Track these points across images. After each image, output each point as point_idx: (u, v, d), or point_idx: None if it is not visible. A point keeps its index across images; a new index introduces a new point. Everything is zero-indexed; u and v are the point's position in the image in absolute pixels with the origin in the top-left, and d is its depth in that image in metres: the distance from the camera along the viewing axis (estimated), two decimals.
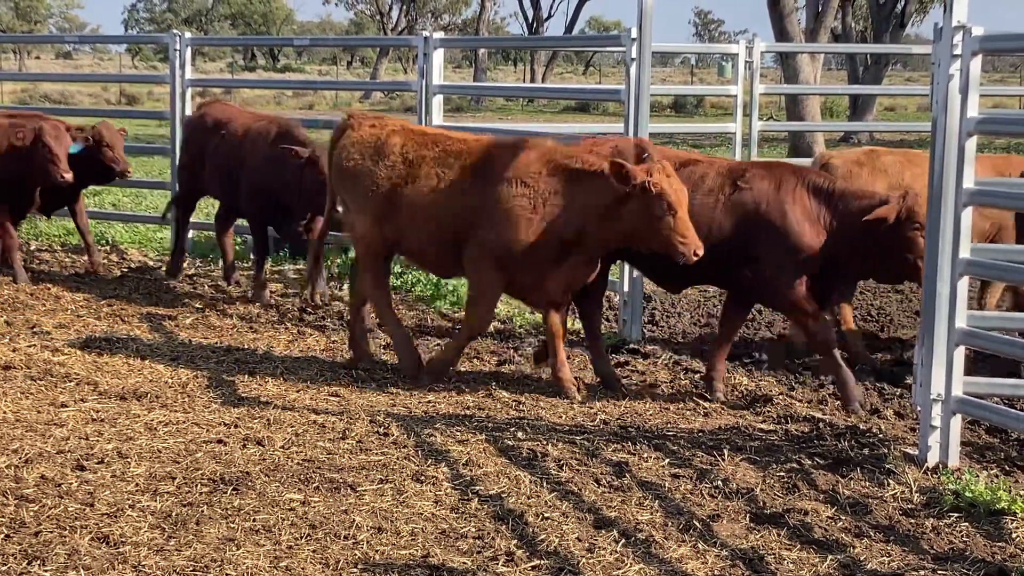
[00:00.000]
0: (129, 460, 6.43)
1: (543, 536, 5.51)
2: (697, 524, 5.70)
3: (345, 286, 11.33)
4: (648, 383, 8.46)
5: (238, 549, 5.30)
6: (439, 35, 11.91)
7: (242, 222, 11.75)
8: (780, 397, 8.06)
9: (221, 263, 12.06)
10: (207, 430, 7.04)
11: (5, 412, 7.29)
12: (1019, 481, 6.43)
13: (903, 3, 36.40)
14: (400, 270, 11.76)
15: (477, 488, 6.14)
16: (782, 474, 6.46)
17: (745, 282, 8.11)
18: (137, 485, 6.06)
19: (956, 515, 5.89)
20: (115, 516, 5.64)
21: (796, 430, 7.30)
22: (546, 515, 5.78)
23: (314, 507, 5.82)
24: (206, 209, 15.41)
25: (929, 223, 6.67)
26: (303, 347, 9.25)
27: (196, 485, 6.08)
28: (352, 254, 9.69)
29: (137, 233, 14.30)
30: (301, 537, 5.46)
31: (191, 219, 12.48)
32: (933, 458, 6.62)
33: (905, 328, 10.34)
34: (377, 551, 5.34)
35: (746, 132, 13.29)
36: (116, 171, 11.62)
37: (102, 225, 14.57)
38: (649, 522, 5.74)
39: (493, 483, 6.23)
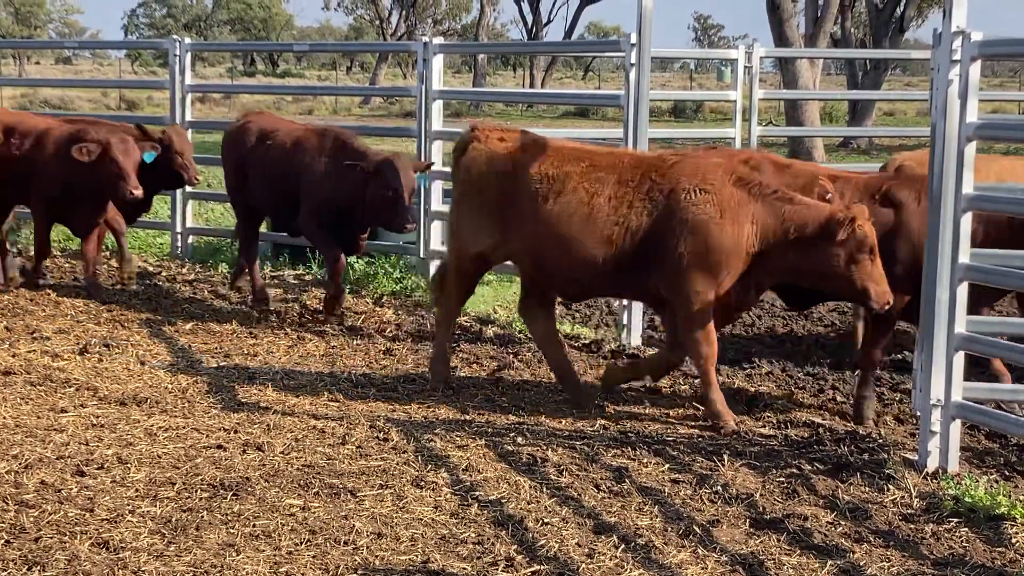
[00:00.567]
0: (129, 465, 6.43)
1: (543, 541, 5.52)
2: (697, 529, 5.70)
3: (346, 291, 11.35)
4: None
5: (238, 555, 5.30)
6: (439, 40, 11.92)
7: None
8: (780, 402, 8.06)
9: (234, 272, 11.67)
10: (207, 435, 7.04)
11: (5, 418, 7.29)
12: (1019, 486, 6.43)
13: (902, 8, 36.39)
14: (399, 275, 11.77)
15: (477, 493, 6.14)
16: (782, 479, 6.46)
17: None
18: (137, 491, 6.06)
19: (956, 520, 5.89)
20: (115, 522, 5.64)
21: (796, 435, 7.30)
22: (546, 520, 5.79)
23: (314, 512, 5.82)
24: (205, 214, 15.43)
25: (929, 228, 6.67)
26: (303, 352, 9.25)
27: (196, 490, 6.08)
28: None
29: (137, 238, 14.29)
30: (301, 543, 5.46)
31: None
32: (933, 463, 6.62)
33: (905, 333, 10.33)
34: (377, 557, 5.34)
35: (745, 137, 13.28)
36: (186, 178, 11.31)
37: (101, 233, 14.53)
38: (649, 527, 5.74)
39: (493, 488, 6.23)
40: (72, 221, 11.13)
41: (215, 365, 8.80)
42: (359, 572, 5.19)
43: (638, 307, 9.75)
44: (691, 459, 6.80)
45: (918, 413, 6.79)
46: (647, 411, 7.85)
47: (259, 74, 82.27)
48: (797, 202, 7.40)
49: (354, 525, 5.66)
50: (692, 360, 7.77)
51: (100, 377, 8.33)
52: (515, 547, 5.45)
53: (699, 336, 7.50)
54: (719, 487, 6.30)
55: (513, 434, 7.21)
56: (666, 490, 6.29)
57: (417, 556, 5.36)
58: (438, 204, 11.71)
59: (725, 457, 6.78)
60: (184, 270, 12.65)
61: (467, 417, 7.61)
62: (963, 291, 6.58)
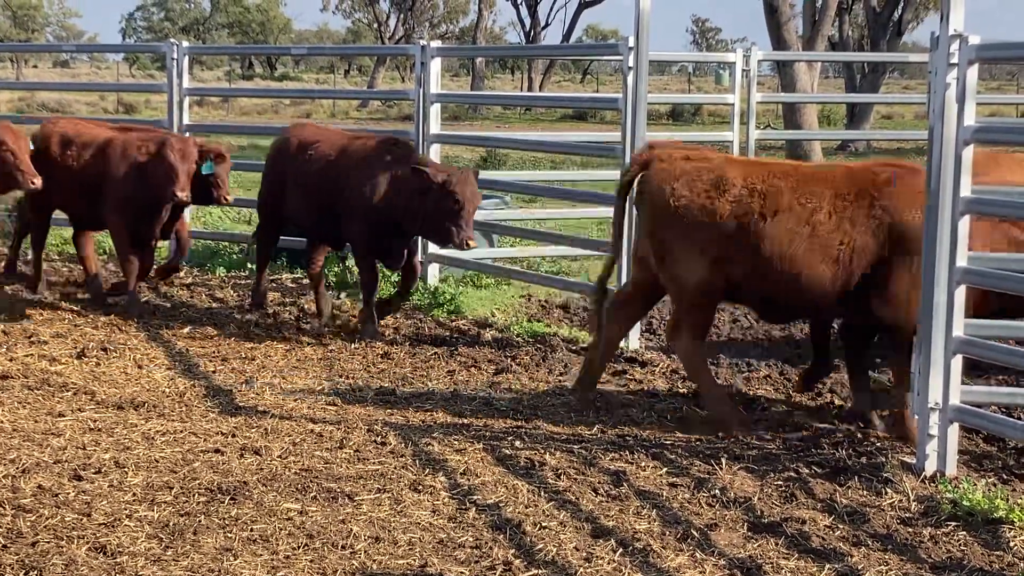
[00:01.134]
0: (126, 470, 6.43)
1: (541, 545, 5.51)
2: (695, 533, 5.70)
3: (343, 295, 11.35)
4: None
5: (235, 559, 5.30)
6: (436, 44, 11.92)
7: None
8: (777, 405, 8.06)
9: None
10: (204, 440, 7.04)
11: (2, 422, 7.28)
12: (1016, 490, 6.43)
13: (900, 11, 36.44)
14: (396, 278, 11.76)
15: (475, 497, 6.14)
16: (780, 483, 6.46)
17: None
18: (134, 495, 6.06)
19: (954, 524, 5.89)
20: (112, 526, 5.64)
21: (794, 439, 7.30)
22: (544, 524, 5.78)
23: (312, 517, 5.82)
24: (203, 217, 15.41)
25: (927, 232, 6.67)
26: (300, 356, 9.24)
27: (193, 495, 6.08)
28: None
29: None
30: (298, 547, 5.46)
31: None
32: (931, 467, 6.61)
33: None
34: (375, 561, 5.34)
35: (743, 140, 13.30)
36: (215, 195, 10.59)
37: (100, 234, 14.50)
38: (647, 531, 5.74)
39: (491, 492, 6.23)
40: (141, 231, 10.54)
41: (212, 369, 8.80)
42: None
43: None
44: (689, 463, 6.80)
45: (916, 416, 6.79)
46: (644, 415, 7.84)
47: (257, 77, 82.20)
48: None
49: (352, 529, 5.65)
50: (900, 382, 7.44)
51: (97, 381, 8.33)
52: (513, 551, 5.45)
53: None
54: (717, 491, 6.30)
55: (511, 438, 7.21)
56: (664, 494, 6.28)
57: (415, 560, 5.35)
58: None
59: (723, 460, 6.78)
60: (182, 273, 12.62)
61: (465, 421, 7.61)
62: (960, 294, 6.58)
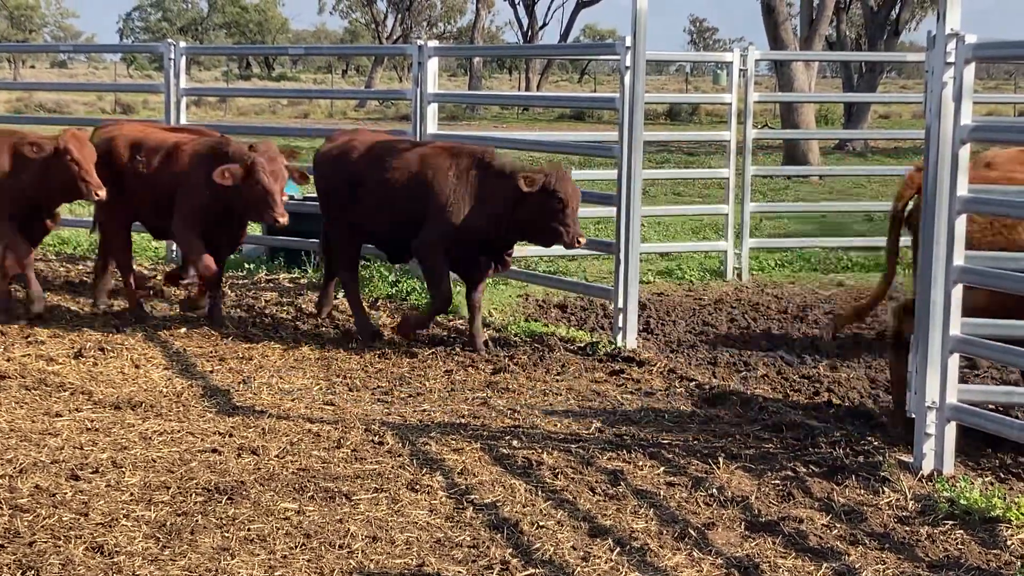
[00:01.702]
0: (124, 469, 6.42)
1: (538, 545, 5.51)
2: (692, 532, 5.70)
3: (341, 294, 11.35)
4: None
5: (233, 559, 5.30)
6: (433, 43, 11.93)
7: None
8: (775, 404, 8.06)
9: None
10: (202, 439, 7.04)
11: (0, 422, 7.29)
12: (1014, 488, 6.43)
13: (898, 11, 36.46)
14: (394, 278, 11.77)
15: (472, 497, 6.14)
16: (777, 482, 6.46)
17: None
18: (132, 495, 6.06)
19: (951, 523, 5.89)
20: (110, 526, 5.64)
21: (791, 438, 7.30)
22: (541, 524, 5.78)
23: (309, 516, 5.82)
24: None
25: (923, 231, 6.67)
26: (298, 356, 9.24)
27: (191, 494, 6.07)
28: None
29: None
30: (296, 546, 5.46)
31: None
32: (928, 466, 6.62)
33: None
34: (372, 560, 5.34)
35: (740, 140, 13.31)
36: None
37: (95, 234, 14.50)
38: (644, 530, 5.74)
39: (488, 492, 6.23)
40: (213, 243, 10.04)
41: (210, 369, 8.80)
42: (354, 575, 5.19)
43: (633, 310, 9.75)
44: (686, 462, 6.80)
45: (913, 415, 6.79)
46: (642, 414, 7.85)
47: (254, 78, 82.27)
48: None
49: (349, 529, 5.65)
50: None
51: (95, 381, 8.33)
52: (510, 550, 5.45)
53: None
54: (715, 490, 6.30)
55: (508, 437, 7.21)
56: (661, 493, 6.28)
57: (412, 560, 5.35)
58: None
59: (720, 460, 6.78)
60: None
61: (462, 420, 7.61)
62: (957, 293, 6.58)
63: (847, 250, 14.34)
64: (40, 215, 10.20)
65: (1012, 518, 5.85)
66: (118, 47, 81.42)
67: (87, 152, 9.81)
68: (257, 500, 6.00)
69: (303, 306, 10.97)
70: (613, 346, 9.64)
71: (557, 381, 8.64)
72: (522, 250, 12.69)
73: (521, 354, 9.34)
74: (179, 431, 7.19)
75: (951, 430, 6.64)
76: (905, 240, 7.78)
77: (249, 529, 5.63)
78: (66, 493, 6.05)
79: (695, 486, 6.37)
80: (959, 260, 6.55)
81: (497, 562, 5.32)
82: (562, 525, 5.78)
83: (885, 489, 6.32)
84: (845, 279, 13.39)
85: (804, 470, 6.65)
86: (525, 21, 67.69)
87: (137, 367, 8.75)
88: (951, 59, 6.42)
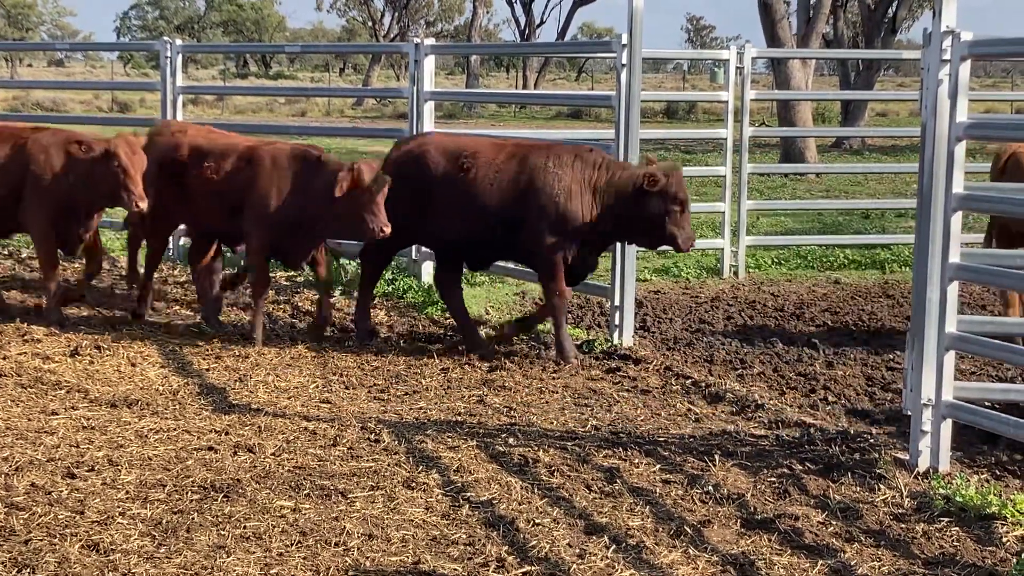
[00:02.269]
0: (119, 468, 6.42)
1: (534, 542, 5.51)
2: (688, 530, 5.70)
3: (338, 292, 11.35)
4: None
5: (228, 556, 5.30)
6: (430, 42, 11.92)
7: None
8: (771, 402, 8.07)
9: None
10: (198, 437, 7.04)
11: None
12: (1009, 486, 6.43)
13: (895, 8, 36.45)
14: (391, 276, 11.77)
15: (468, 494, 6.14)
16: (773, 479, 6.46)
17: None
18: (127, 493, 6.05)
19: (947, 520, 5.89)
20: (105, 524, 5.63)
21: (787, 435, 7.30)
22: (537, 521, 5.78)
23: (305, 514, 5.82)
24: None
25: (919, 228, 6.68)
26: (294, 354, 9.23)
27: (187, 492, 6.07)
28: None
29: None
30: (292, 544, 5.45)
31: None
32: (924, 463, 6.62)
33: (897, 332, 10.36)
34: (368, 558, 5.34)
35: (737, 138, 13.31)
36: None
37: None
38: (640, 528, 5.74)
39: (484, 489, 6.23)
40: (290, 253, 9.74)
41: (206, 367, 8.79)
42: (350, 573, 5.18)
43: (630, 308, 9.75)
44: (682, 459, 6.80)
45: (909, 413, 6.79)
46: (638, 412, 7.85)
47: (252, 76, 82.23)
48: None
49: (345, 526, 5.65)
50: None
51: (91, 379, 8.32)
52: (506, 548, 5.45)
53: None
54: (710, 487, 6.30)
55: (504, 435, 7.21)
56: (657, 490, 6.28)
57: (408, 557, 5.35)
58: None
59: (716, 457, 6.78)
60: (176, 272, 12.63)
61: (458, 418, 7.61)
62: (953, 290, 6.59)
63: (844, 247, 14.35)
64: (80, 219, 9.85)
65: (1008, 515, 5.86)
66: (115, 45, 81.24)
67: (136, 159, 9.41)
68: (253, 498, 6.00)
69: (299, 304, 10.96)
70: (609, 344, 9.65)
71: (553, 379, 8.64)
72: None
73: (517, 352, 9.34)
74: (175, 429, 7.19)
75: (947, 427, 6.65)
76: None
77: (245, 527, 5.63)
78: (62, 491, 6.05)
79: (691, 484, 6.37)
80: (955, 257, 6.55)
81: (493, 559, 5.32)
82: (558, 522, 5.79)
83: (881, 486, 6.33)
84: (842, 276, 13.40)
85: (800, 467, 6.65)
86: (522, 19, 67.68)
87: (133, 365, 8.75)
88: (947, 56, 6.43)
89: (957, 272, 6.57)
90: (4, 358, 8.76)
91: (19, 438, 6.93)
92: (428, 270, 11.75)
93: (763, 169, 20.28)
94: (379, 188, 8.89)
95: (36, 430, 7.11)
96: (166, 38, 13.71)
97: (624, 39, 9.56)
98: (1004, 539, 5.67)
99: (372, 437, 7.09)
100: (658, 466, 6.67)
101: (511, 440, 7.10)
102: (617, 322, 9.77)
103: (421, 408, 7.84)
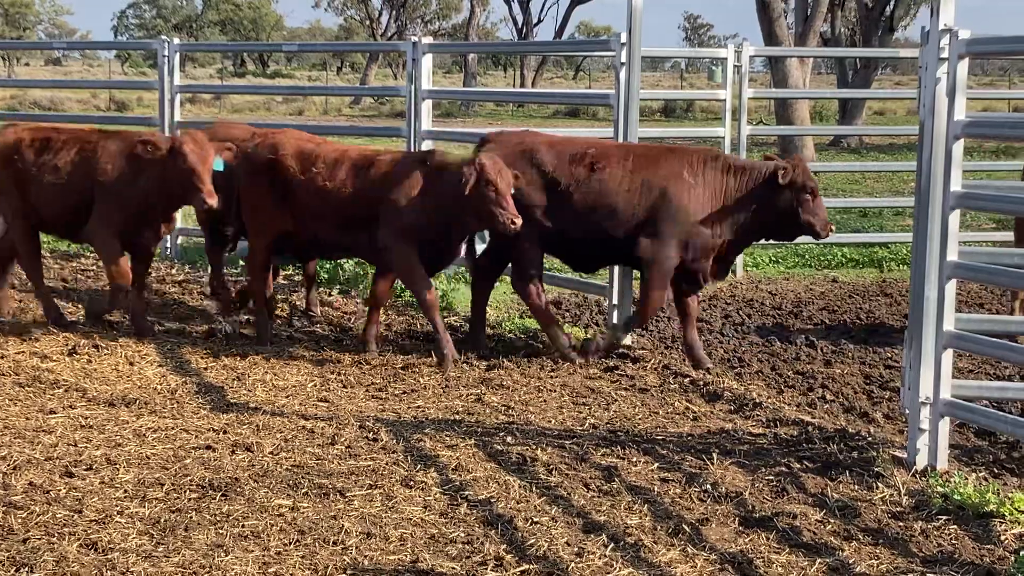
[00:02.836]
0: (118, 466, 6.42)
1: (532, 541, 5.51)
2: (686, 528, 5.70)
3: (335, 291, 11.34)
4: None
5: (227, 555, 5.29)
6: (427, 40, 11.92)
7: None
8: (769, 401, 8.07)
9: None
10: (196, 436, 7.03)
11: None
12: (1007, 484, 6.44)
13: (892, 7, 36.45)
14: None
15: (466, 493, 6.14)
16: (771, 477, 6.46)
17: None
18: (126, 491, 6.05)
19: (945, 518, 5.89)
20: (104, 523, 5.63)
21: (785, 434, 7.31)
22: (535, 520, 5.78)
23: (303, 513, 5.82)
24: (194, 215, 15.37)
25: (917, 226, 6.68)
26: (292, 353, 9.23)
27: (185, 491, 6.07)
28: None
29: None
30: (290, 543, 5.45)
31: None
32: (922, 461, 6.63)
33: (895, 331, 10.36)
34: (366, 557, 5.34)
35: (735, 136, 13.31)
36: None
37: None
38: (638, 526, 5.74)
39: (482, 488, 6.23)
40: (435, 261, 9.27)
41: (204, 366, 8.79)
42: (348, 572, 5.18)
43: (628, 306, 9.74)
44: (680, 458, 6.80)
45: (907, 411, 6.80)
46: (636, 410, 7.85)
47: (249, 75, 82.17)
48: None
49: (343, 525, 5.65)
50: None
51: (89, 378, 8.32)
52: (504, 546, 5.45)
53: None
54: (708, 486, 6.30)
55: (503, 433, 7.21)
56: (655, 489, 6.28)
57: (406, 556, 5.35)
58: None
59: (714, 456, 6.78)
60: (174, 271, 12.63)
61: (456, 417, 7.61)
62: (951, 289, 6.59)
63: (841, 246, 14.35)
64: (150, 223, 9.58)
65: (1006, 513, 5.86)
66: (113, 44, 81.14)
67: (204, 155, 9.18)
68: (251, 497, 6.00)
69: (297, 303, 10.96)
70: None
71: (551, 377, 8.64)
72: None
73: (515, 351, 9.34)
74: (173, 428, 7.19)
75: (945, 425, 6.65)
76: None
77: (243, 526, 5.62)
78: (60, 490, 6.05)
79: (689, 482, 6.38)
80: (953, 255, 6.55)
81: (491, 558, 5.32)
82: (556, 521, 5.79)
83: (879, 484, 6.33)
84: (839, 275, 13.41)
85: (798, 466, 6.66)
86: (520, 18, 67.67)
87: (131, 364, 8.74)
88: (945, 55, 6.43)
89: (955, 270, 6.57)
90: (2, 357, 8.76)
91: (17, 437, 6.93)
92: None
93: None
94: (505, 181, 8.66)
95: (34, 429, 7.10)
96: (163, 37, 13.70)
97: (623, 38, 9.56)
98: (1002, 537, 5.68)
99: (370, 436, 7.09)
100: (656, 464, 6.67)
101: (509, 439, 7.10)
102: (616, 320, 9.76)
103: (419, 407, 7.84)
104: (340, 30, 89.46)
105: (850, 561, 5.38)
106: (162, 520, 5.66)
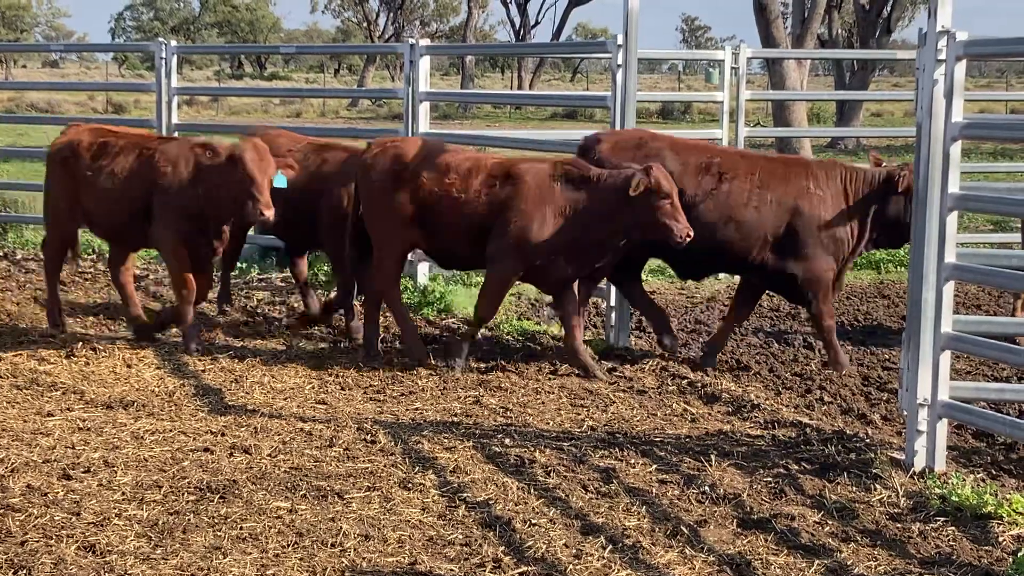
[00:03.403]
0: (115, 469, 6.42)
1: (530, 543, 5.51)
2: (684, 530, 5.70)
3: (335, 293, 11.34)
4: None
5: (225, 557, 5.29)
6: (425, 42, 11.92)
7: None
8: (767, 402, 8.07)
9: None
10: (194, 438, 7.03)
11: None
12: (1005, 485, 6.44)
13: (889, 9, 36.47)
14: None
15: (464, 495, 6.14)
16: (769, 479, 6.46)
17: None
18: (124, 494, 6.05)
19: (943, 519, 5.89)
20: (101, 525, 5.63)
21: (783, 435, 7.31)
22: (533, 521, 5.78)
23: (301, 515, 5.81)
24: None
25: (914, 228, 6.68)
26: (290, 355, 9.22)
27: (183, 494, 6.07)
28: None
29: None
30: (288, 545, 5.45)
31: None
32: (920, 463, 6.63)
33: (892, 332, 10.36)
34: (364, 559, 5.33)
35: (733, 138, 13.31)
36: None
37: (87, 235, 14.45)
38: (636, 528, 5.74)
39: (480, 490, 6.23)
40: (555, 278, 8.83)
41: (202, 368, 8.78)
42: (346, 574, 5.18)
43: (626, 308, 9.74)
44: (678, 460, 6.80)
45: (905, 412, 6.80)
46: (634, 412, 7.85)
47: (246, 77, 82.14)
48: None
49: (341, 527, 5.65)
50: None
51: (87, 380, 8.32)
52: (503, 548, 5.45)
53: None
54: (707, 487, 6.30)
55: (501, 435, 7.21)
56: (654, 491, 6.28)
57: (404, 558, 5.35)
58: None
59: (712, 457, 6.78)
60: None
61: (455, 419, 7.60)
62: (949, 290, 6.59)
63: None
64: (206, 235, 9.21)
65: (1003, 514, 5.86)
66: (110, 46, 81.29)
67: (264, 165, 8.80)
68: (249, 499, 5.99)
69: (295, 305, 10.95)
70: (606, 344, 9.65)
71: (549, 379, 8.63)
72: None
73: (513, 352, 9.34)
74: (171, 430, 7.18)
75: (942, 427, 6.65)
76: None
77: (241, 528, 5.62)
78: (58, 492, 6.04)
79: (687, 484, 6.38)
80: (950, 257, 6.55)
81: (489, 560, 5.31)
82: (554, 523, 5.78)
83: (877, 486, 6.33)
84: None
85: (796, 467, 6.66)
86: (517, 20, 67.72)
87: (129, 366, 8.74)
88: (942, 56, 6.43)
89: (953, 272, 6.57)
90: None
91: (15, 439, 6.92)
92: (423, 271, 11.75)
93: None
94: (676, 191, 8.41)
95: (32, 431, 7.10)
96: (161, 39, 13.72)
97: (620, 39, 9.56)
98: (1000, 538, 5.68)
99: (368, 438, 7.09)
100: (654, 466, 6.67)
101: (507, 441, 7.10)
102: (613, 322, 9.77)
103: (417, 409, 7.84)
104: (337, 32, 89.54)
105: (848, 562, 5.38)
106: (160, 522, 5.66)
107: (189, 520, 5.70)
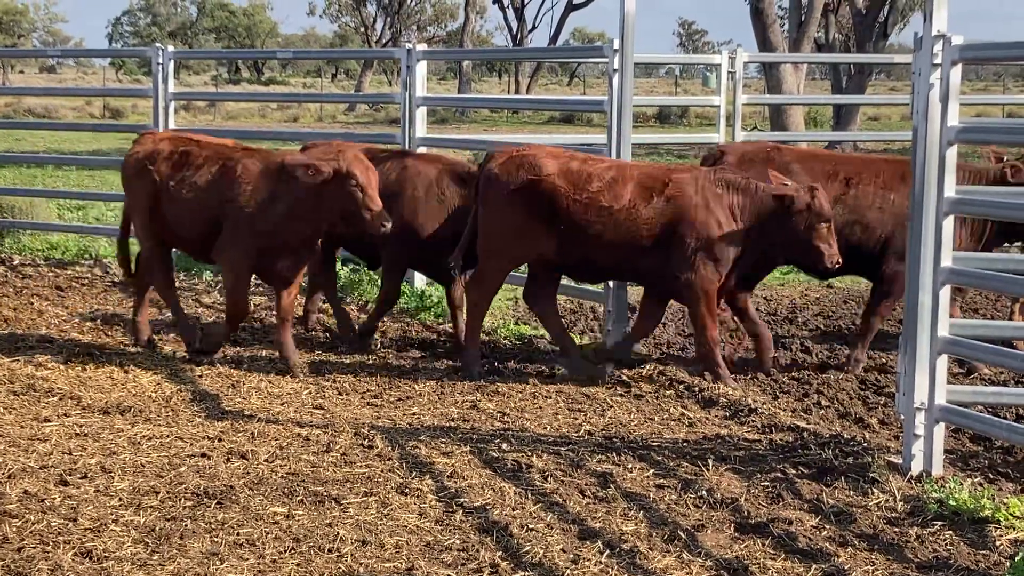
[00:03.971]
0: (112, 475, 6.41)
1: (528, 548, 5.51)
2: (682, 534, 5.70)
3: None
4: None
5: (222, 563, 5.29)
6: (422, 47, 11.93)
7: None
8: (764, 407, 8.07)
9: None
10: (191, 444, 7.03)
11: None
12: (1003, 489, 6.44)
13: (886, 12, 36.50)
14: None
15: (462, 500, 6.13)
16: (766, 483, 6.46)
17: None
18: (121, 500, 6.04)
19: (940, 523, 5.89)
20: (98, 531, 5.62)
21: (780, 439, 7.31)
22: (531, 526, 5.78)
23: (298, 520, 5.81)
24: None
25: (911, 232, 6.69)
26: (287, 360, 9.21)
27: (180, 499, 6.06)
28: None
29: None
30: (285, 551, 5.45)
31: None
32: (917, 467, 6.62)
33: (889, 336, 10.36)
34: (361, 564, 5.33)
35: (729, 142, 13.30)
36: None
37: (86, 239, 14.51)
38: (634, 532, 5.74)
39: (478, 495, 6.23)
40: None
41: (199, 373, 8.78)
42: None
43: (623, 312, 9.74)
44: (676, 464, 6.80)
45: (902, 416, 6.80)
46: (631, 417, 7.85)
47: (244, 82, 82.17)
48: None
49: (338, 533, 5.65)
50: None
51: (84, 386, 8.31)
52: (500, 553, 5.45)
53: None
54: (704, 492, 6.30)
55: (498, 440, 7.21)
56: (651, 495, 6.28)
57: (402, 563, 5.35)
58: None
59: (710, 462, 6.78)
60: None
61: (452, 424, 7.60)
62: (945, 294, 6.59)
63: None
64: (289, 250, 8.84)
65: (1001, 518, 5.86)
66: (107, 52, 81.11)
67: (372, 176, 8.53)
68: (246, 504, 5.99)
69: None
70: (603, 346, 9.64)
71: (547, 384, 8.63)
72: None
73: (510, 357, 9.33)
74: (168, 436, 7.18)
75: (940, 431, 6.65)
76: None
77: (238, 533, 5.62)
78: (55, 498, 6.04)
79: (684, 488, 6.37)
80: (947, 261, 6.56)
81: (487, 565, 5.31)
82: (552, 528, 5.78)
83: (874, 490, 6.33)
84: (834, 280, 13.39)
85: (793, 472, 6.66)
86: (514, 25, 67.67)
87: (126, 372, 8.74)
88: (938, 60, 6.43)
89: (949, 276, 6.58)
90: None
91: (12, 445, 6.92)
92: (421, 276, 11.74)
93: None
94: (831, 214, 8.39)
95: (29, 437, 7.09)
96: (158, 44, 13.70)
97: (616, 44, 9.56)
98: (998, 542, 5.68)
99: (365, 443, 7.08)
100: (651, 471, 6.67)
101: (504, 446, 7.10)
102: (611, 327, 9.76)
103: (414, 414, 7.84)
104: (335, 37, 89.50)
105: (845, 567, 5.38)
106: (157, 528, 5.66)
107: (186, 526, 5.69)
